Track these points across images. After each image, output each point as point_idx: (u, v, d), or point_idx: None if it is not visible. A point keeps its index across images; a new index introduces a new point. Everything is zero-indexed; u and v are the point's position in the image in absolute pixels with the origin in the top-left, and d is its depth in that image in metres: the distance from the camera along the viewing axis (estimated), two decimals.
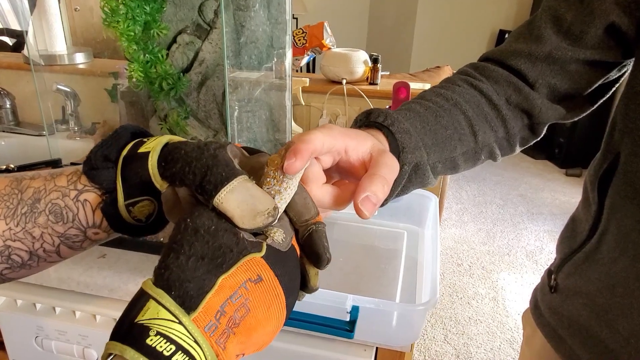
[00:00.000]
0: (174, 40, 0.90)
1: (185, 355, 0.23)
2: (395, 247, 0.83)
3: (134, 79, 0.88)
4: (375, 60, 1.17)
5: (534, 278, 2.37)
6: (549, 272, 0.69)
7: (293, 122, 1.09)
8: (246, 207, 0.28)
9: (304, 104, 1.09)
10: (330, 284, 0.73)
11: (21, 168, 0.88)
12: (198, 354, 0.24)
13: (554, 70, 0.52)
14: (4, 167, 0.87)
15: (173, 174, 0.30)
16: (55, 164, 0.83)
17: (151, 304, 0.24)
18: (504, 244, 2.68)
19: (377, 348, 0.64)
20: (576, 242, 0.59)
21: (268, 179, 0.30)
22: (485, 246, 2.66)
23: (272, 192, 0.29)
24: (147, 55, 0.85)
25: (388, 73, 2.65)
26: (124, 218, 0.32)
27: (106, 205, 0.32)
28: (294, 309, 0.55)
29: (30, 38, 1.54)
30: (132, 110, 1.05)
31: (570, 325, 0.62)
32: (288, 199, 0.30)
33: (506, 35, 4.17)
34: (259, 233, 0.29)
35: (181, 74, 0.89)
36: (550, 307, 0.67)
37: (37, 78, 1.37)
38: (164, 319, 0.24)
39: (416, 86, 1.16)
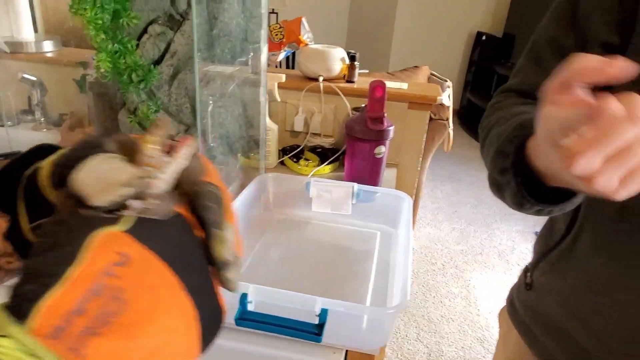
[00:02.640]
0: (145, 31, 0.87)
1: None
2: (368, 248, 0.82)
3: (102, 70, 0.84)
4: (352, 58, 1.16)
5: (505, 277, 2.40)
6: (525, 270, 0.69)
7: (268, 119, 1.07)
8: (101, 182, 0.23)
9: (279, 100, 1.07)
10: (302, 284, 0.71)
11: None
12: None
13: None
14: None
15: (56, 180, 0.26)
16: (13, 156, 0.79)
17: None
18: (477, 244, 2.72)
19: (346, 351, 0.63)
20: (552, 241, 0.60)
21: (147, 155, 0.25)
22: (459, 245, 2.69)
23: (149, 165, 0.25)
24: (115, 45, 0.82)
25: (367, 71, 2.65)
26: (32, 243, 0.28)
27: (10, 231, 0.28)
28: (264, 312, 0.51)
29: None
30: (101, 102, 1.01)
31: (545, 323, 0.62)
32: (172, 169, 0.26)
33: (483, 37, 4.18)
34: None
35: (152, 65, 0.86)
36: (526, 305, 0.67)
37: (0, 66, 1.31)
38: None
39: (393, 85, 1.15)
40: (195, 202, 0.26)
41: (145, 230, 0.23)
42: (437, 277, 2.40)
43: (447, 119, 2.31)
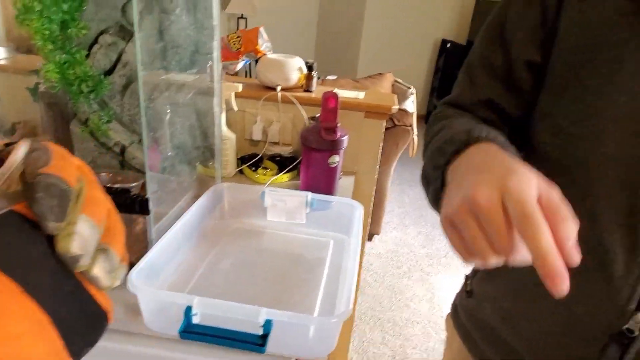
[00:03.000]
0: (96, 41, 0.86)
1: None
2: (321, 255, 0.83)
3: (52, 80, 0.83)
4: (310, 68, 1.17)
5: None
6: (466, 278, 0.72)
7: (226, 128, 1.07)
8: None
9: (237, 109, 1.07)
10: (252, 294, 0.72)
11: None
12: None
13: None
14: None
15: None
16: None
17: None
18: (442, 247, 2.77)
19: None
20: None
21: None
22: (425, 249, 2.74)
23: None
24: (64, 55, 0.81)
25: (335, 77, 2.68)
26: None
27: None
28: (210, 324, 0.49)
29: None
30: (52, 112, 0.99)
31: (483, 328, 0.65)
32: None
33: (448, 45, 4.29)
34: None
35: (102, 76, 0.85)
36: (466, 311, 0.70)
37: None
38: None
39: (350, 95, 1.18)
40: (25, 196, 0.24)
41: None
42: (403, 281, 2.44)
43: (411, 125, 2.35)
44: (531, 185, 0.34)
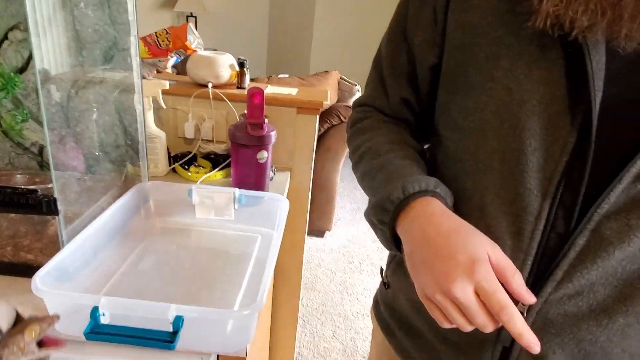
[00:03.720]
0: (6, 37, 0.83)
1: None
2: (247, 250, 0.83)
3: None
4: (241, 65, 1.17)
5: None
6: (382, 270, 0.74)
7: (154, 126, 1.05)
8: None
9: (165, 107, 1.05)
10: (171, 293, 0.71)
11: None
12: None
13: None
14: None
15: None
16: None
17: None
18: None
19: (217, 356, 0.64)
20: None
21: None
22: (376, 243, 2.79)
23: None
24: None
25: (287, 75, 2.68)
26: None
27: None
28: (116, 324, 0.56)
29: None
30: None
31: (399, 319, 0.67)
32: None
33: None
34: None
35: (14, 73, 0.82)
36: (385, 303, 0.72)
37: None
38: None
39: (282, 91, 1.18)
40: None
41: None
42: (355, 275, 2.47)
43: None
44: (488, 267, 0.43)
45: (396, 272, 0.67)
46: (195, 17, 4.62)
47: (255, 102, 0.90)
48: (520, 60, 0.46)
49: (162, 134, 1.06)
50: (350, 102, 2.30)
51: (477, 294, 0.43)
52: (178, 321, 0.56)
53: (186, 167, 1.11)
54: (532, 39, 0.45)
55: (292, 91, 1.18)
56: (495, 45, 0.47)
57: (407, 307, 0.65)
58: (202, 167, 1.11)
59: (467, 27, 0.50)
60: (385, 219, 0.52)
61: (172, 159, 1.14)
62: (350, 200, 3.27)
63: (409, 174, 0.53)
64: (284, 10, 4.83)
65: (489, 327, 0.43)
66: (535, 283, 0.48)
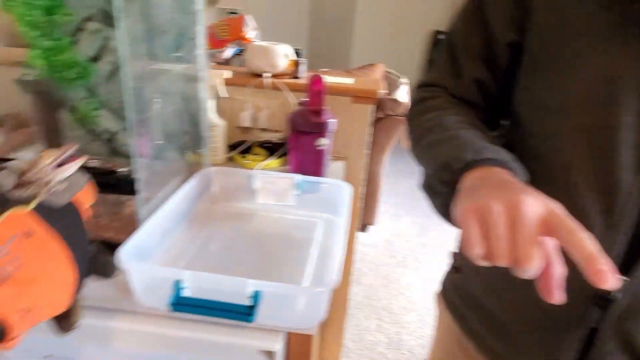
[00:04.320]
0: (81, 28, 0.87)
1: None
2: (310, 235, 0.84)
3: (36, 67, 0.84)
4: (298, 54, 1.18)
5: None
6: (454, 255, 0.73)
7: (214, 115, 1.08)
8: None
9: (224, 96, 1.08)
10: (241, 272, 0.73)
11: None
12: None
13: None
14: None
15: None
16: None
17: None
18: (437, 236, 2.79)
19: (287, 333, 0.66)
20: None
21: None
22: (419, 238, 2.76)
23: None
24: (49, 41, 0.82)
25: (328, 70, 2.68)
26: None
27: None
28: (195, 297, 0.58)
29: None
30: (40, 101, 1.00)
31: (470, 301, 0.66)
32: (59, 175, 0.37)
33: (441, 36, 4.30)
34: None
35: (89, 62, 0.86)
36: (455, 286, 0.72)
37: None
38: None
39: (338, 80, 1.19)
40: None
41: (48, 213, 0.32)
42: (398, 270, 2.45)
43: (403, 115, 2.36)
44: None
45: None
46: (236, 13, 4.70)
47: (316, 88, 0.91)
48: (615, 36, 0.45)
49: (221, 123, 1.09)
50: (397, 96, 2.28)
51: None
52: (256, 296, 0.57)
53: (243, 155, 1.13)
54: (627, 14, 0.44)
55: (348, 80, 1.19)
56: (586, 21, 0.46)
57: (478, 287, 0.64)
58: (259, 156, 1.13)
59: (556, 3, 0.49)
60: (448, 177, 0.48)
61: (230, 147, 1.17)
62: (393, 194, 3.25)
63: (488, 144, 0.50)
64: (326, 5, 4.83)
65: (526, 255, 0.36)
66: (627, 262, 0.47)
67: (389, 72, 2.43)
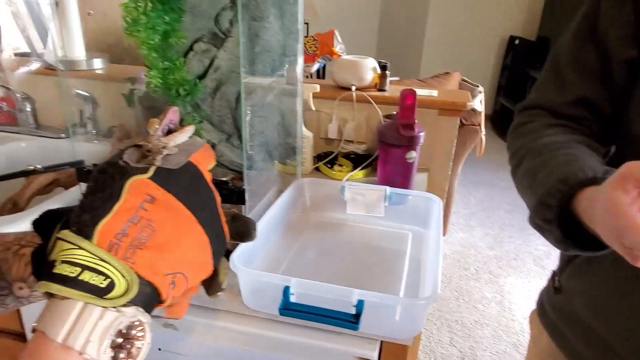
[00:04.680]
0: (191, 48, 0.95)
1: (92, 272, 0.27)
2: (401, 247, 0.86)
3: (152, 85, 0.92)
4: (383, 67, 1.20)
5: (541, 283, 2.36)
6: (554, 275, 0.72)
7: (303, 127, 1.13)
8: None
9: (314, 109, 1.13)
10: (338, 280, 0.76)
11: (47, 168, 0.93)
12: (107, 268, 0.28)
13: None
14: (32, 167, 0.92)
15: None
16: (79, 164, 0.88)
17: (57, 242, 0.29)
18: (512, 249, 2.69)
19: (381, 342, 0.68)
20: None
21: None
22: (493, 251, 2.68)
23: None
24: (165, 62, 0.90)
25: (398, 78, 2.68)
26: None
27: (37, 251, 0.35)
28: (302, 303, 0.59)
29: (50, 44, 1.59)
30: (149, 114, 1.10)
31: (573, 323, 0.65)
32: (173, 140, 0.36)
33: (516, 41, 4.11)
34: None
35: (197, 80, 0.93)
36: (555, 307, 0.70)
37: (59, 83, 1.42)
38: (66, 249, 0.28)
39: (423, 92, 1.19)
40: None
41: (165, 177, 0.32)
42: (470, 282, 2.39)
43: (479, 125, 2.31)
44: None
45: (574, 276, 0.65)
46: (307, 24, 4.81)
47: (408, 102, 0.93)
48: None
49: (310, 134, 1.14)
50: (473, 105, 2.23)
51: None
52: (360, 305, 0.60)
53: (329, 165, 1.17)
54: None
55: (433, 92, 1.19)
56: None
57: (585, 311, 0.63)
58: (344, 166, 1.17)
59: None
60: (549, 216, 0.48)
61: (316, 158, 1.21)
62: (464, 205, 3.18)
63: (575, 166, 0.49)
64: (395, 13, 4.82)
65: None
66: None
67: (465, 81, 2.39)
